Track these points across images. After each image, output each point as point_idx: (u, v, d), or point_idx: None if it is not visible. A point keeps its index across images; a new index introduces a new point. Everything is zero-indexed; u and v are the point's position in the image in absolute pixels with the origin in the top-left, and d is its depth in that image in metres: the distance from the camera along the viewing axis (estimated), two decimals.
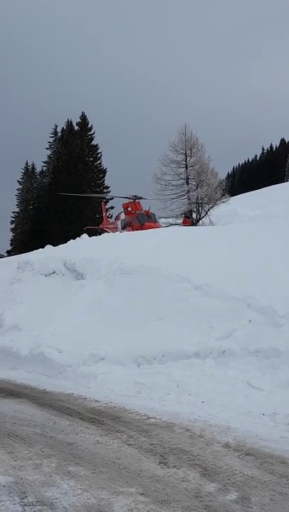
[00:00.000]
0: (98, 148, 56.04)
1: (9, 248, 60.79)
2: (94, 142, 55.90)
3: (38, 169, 67.39)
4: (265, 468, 4.81)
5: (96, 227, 36.52)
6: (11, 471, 4.98)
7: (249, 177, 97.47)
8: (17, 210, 64.60)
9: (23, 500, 4.26)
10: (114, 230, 30.22)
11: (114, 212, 44.27)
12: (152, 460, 5.17)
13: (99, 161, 56.05)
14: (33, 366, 10.47)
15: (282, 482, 4.48)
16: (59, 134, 63.28)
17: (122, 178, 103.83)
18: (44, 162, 66.86)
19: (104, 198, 48.51)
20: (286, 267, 9.69)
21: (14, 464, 5.18)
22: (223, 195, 39.22)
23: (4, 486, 4.57)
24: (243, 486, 4.41)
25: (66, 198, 45.78)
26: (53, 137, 66.84)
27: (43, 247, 19.38)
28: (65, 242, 19.60)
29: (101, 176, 55.88)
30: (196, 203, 38.70)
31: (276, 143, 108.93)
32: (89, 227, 35.32)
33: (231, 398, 6.95)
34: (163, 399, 7.48)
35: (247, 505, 4.05)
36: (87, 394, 8.32)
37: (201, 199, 38.21)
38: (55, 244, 19.42)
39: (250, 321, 8.50)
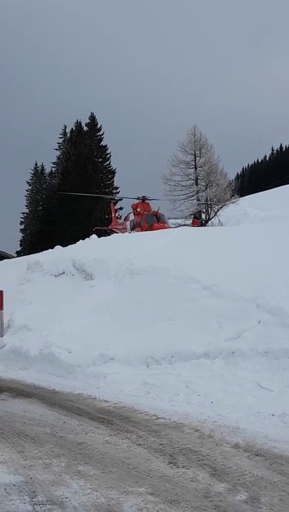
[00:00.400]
0: (107, 149, 56.27)
1: (19, 249, 61.08)
2: (103, 143, 56.15)
3: (47, 170, 67.87)
4: (274, 468, 4.81)
5: (105, 227, 36.56)
6: (21, 470, 5.01)
7: (258, 177, 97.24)
8: (26, 210, 65.03)
9: (33, 500, 4.28)
10: (124, 230, 30.25)
11: (123, 213, 44.31)
12: (162, 460, 5.17)
13: (108, 162, 56.21)
14: (43, 366, 10.51)
15: None
16: (68, 134, 63.55)
17: (131, 178, 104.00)
18: (53, 163, 67.26)
19: (114, 198, 48.60)
20: None
21: (24, 463, 5.21)
22: (233, 195, 39.21)
23: (14, 485, 4.60)
24: (252, 487, 4.41)
25: (75, 199, 45.90)
26: (62, 138, 67.15)
27: (52, 248, 19.41)
28: (75, 243, 19.63)
29: (110, 176, 56.02)
30: (205, 203, 38.72)
31: (286, 143, 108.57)
32: (98, 227, 35.39)
33: (241, 399, 6.94)
34: (172, 399, 7.48)
35: (256, 506, 4.04)
36: (97, 394, 8.34)
37: (210, 200, 38.21)
38: (64, 245, 19.45)
39: (259, 322, 8.47)
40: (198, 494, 4.30)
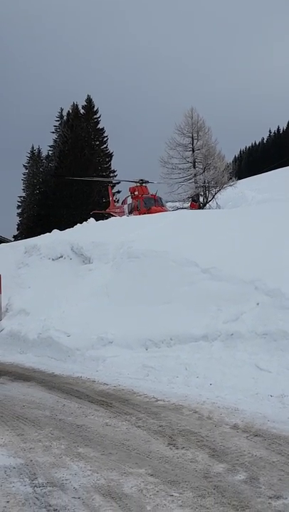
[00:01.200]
0: (104, 132, 55.86)
1: (16, 233, 60.89)
2: (100, 126, 55.71)
3: (44, 153, 67.42)
4: (273, 448, 4.83)
5: (103, 211, 36.46)
6: (21, 453, 5.02)
7: (256, 160, 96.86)
8: (23, 194, 64.69)
9: (34, 482, 4.29)
10: (121, 214, 30.17)
11: (120, 197, 44.18)
12: (161, 441, 5.20)
13: (105, 145, 55.86)
14: (42, 350, 10.53)
15: None
16: (65, 117, 62.97)
17: (128, 161, 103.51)
18: (50, 146, 66.89)
19: (111, 182, 48.39)
20: None
21: (24, 446, 5.23)
22: (230, 178, 39.05)
23: (14, 468, 4.62)
24: (251, 467, 4.43)
25: (73, 183, 45.72)
26: (58, 121, 66.69)
27: (49, 232, 19.37)
28: (72, 227, 19.59)
29: (107, 159, 55.72)
30: (203, 186, 38.58)
31: (283, 125, 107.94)
32: (96, 211, 35.28)
33: (239, 380, 6.97)
34: (171, 381, 7.50)
35: (256, 485, 4.07)
36: (96, 377, 8.36)
37: (208, 182, 38.08)
38: (62, 229, 19.40)
39: (258, 304, 8.48)
40: (197, 475, 4.32)
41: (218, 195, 38.34)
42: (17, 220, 64.15)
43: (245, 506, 3.73)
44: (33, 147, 66.68)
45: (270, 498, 3.86)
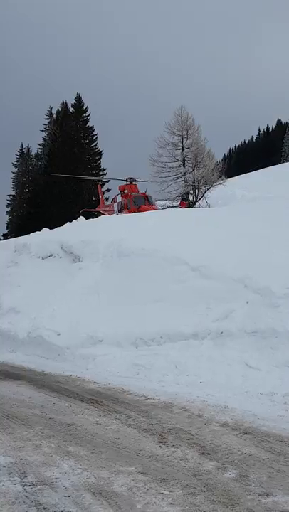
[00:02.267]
0: (94, 130, 55.64)
1: (5, 231, 60.66)
2: (89, 124, 55.46)
3: (34, 152, 67.06)
4: (263, 446, 4.86)
5: (93, 209, 36.37)
6: (11, 451, 5.01)
7: (245, 158, 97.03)
8: (13, 193, 64.35)
9: (23, 480, 4.29)
10: (111, 212, 30.11)
11: (110, 195, 44.07)
12: (151, 440, 5.21)
13: (95, 143, 55.65)
14: (32, 349, 10.50)
15: (280, 460, 4.52)
16: (54, 116, 62.70)
17: (118, 160, 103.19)
18: (39, 144, 66.43)
19: (101, 180, 48.24)
20: (284, 247, 9.68)
21: (14, 444, 5.22)
22: (220, 176, 39.00)
23: (4, 467, 4.60)
24: (241, 464, 4.45)
25: (62, 181, 45.54)
26: (48, 119, 66.27)
27: (39, 230, 19.28)
28: (62, 225, 19.51)
29: (97, 158, 55.52)
30: (192, 185, 38.57)
31: (272, 124, 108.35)
32: (85, 209, 35.18)
33: (229, 378, 7.00)
34: (161, 380, 7.52)
35: (245, 483, 4.08)
36: (86, 375, 8.36)
37: (197, 181, 38.07)
38: (51, 227, 19.32)
39: (247, 302, 8.51)
40: (187, 473, 4.33)
41: (207, 193, 38.32)
42: (6, 218, 63.94)
43: (235, 504, 3.75)
44: (22, 145, 66.43)
45: (260, 495, 3.88)
